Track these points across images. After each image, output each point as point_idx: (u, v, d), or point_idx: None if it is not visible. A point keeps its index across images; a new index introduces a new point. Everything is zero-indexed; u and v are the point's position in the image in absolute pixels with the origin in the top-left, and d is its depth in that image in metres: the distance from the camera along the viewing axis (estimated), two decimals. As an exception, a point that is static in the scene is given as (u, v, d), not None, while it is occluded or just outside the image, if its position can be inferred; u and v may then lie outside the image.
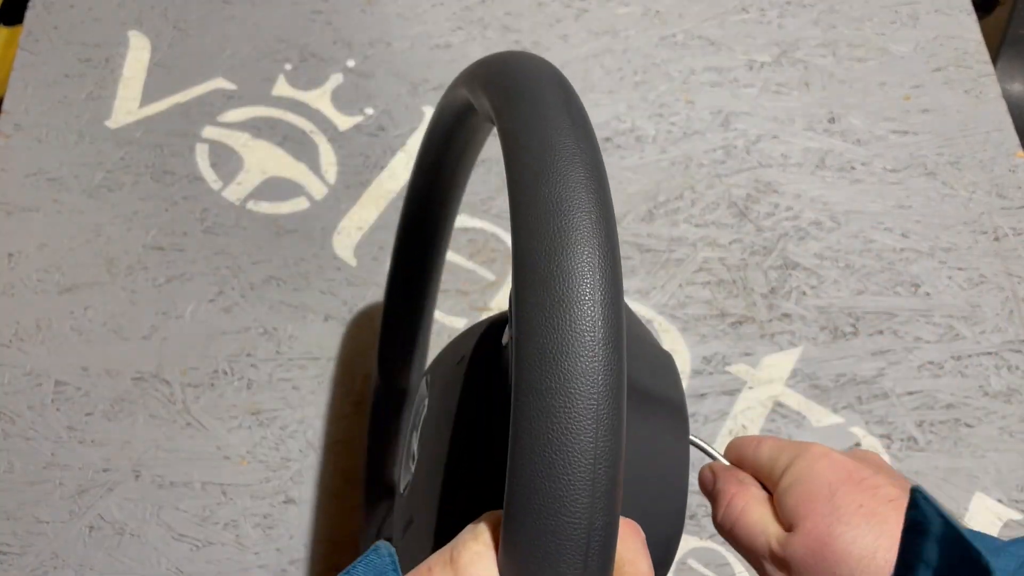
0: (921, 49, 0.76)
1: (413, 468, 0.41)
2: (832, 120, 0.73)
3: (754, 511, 0.36)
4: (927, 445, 0.61)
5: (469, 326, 0.45)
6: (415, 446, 0.41)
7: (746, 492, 0.37)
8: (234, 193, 0.72)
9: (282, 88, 0.76)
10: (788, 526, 0.34)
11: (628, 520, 0.28)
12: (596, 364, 0.22)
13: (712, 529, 0.59)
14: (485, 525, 0.27)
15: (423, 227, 0.50)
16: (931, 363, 0.64)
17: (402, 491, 0.42)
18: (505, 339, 0.36)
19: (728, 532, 0.37)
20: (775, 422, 0.62)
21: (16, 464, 0.62)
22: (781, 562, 0.33)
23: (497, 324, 0.38)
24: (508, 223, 0.76)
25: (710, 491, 0.39)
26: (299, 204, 0.71)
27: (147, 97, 0.76)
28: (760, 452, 0.38)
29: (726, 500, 0.37)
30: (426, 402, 0.41)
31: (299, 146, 0.74)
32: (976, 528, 0.58)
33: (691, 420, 0.62)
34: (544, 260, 0.22)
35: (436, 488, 0.36)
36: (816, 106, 0.74)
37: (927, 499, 0.28)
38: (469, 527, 0.28)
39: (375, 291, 0.67)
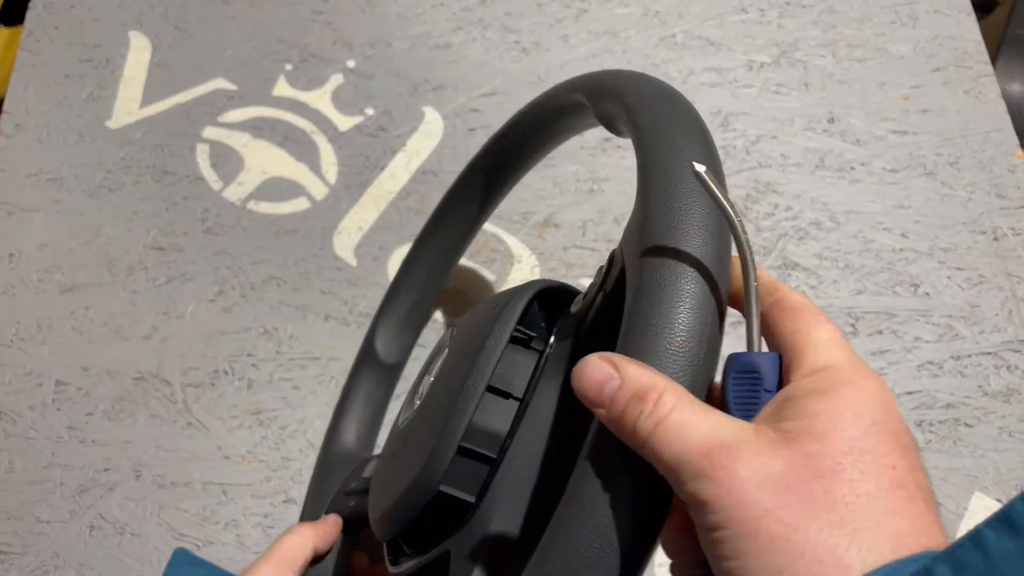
0: (920, 49, 0.76)
1: (418, 404, 0.41)
2: (831, 120, 0.73)
3: (692, 407, 0.26)
4: (927, 445, 0.61)
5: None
6: (424, 387, 0.41)
7: (678, 389, 0.27)
8: (234, 193, 0.72)
9: (282, 88, 0.76)
10: (783, 424, 0.26)
11: None
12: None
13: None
14: None
15: (485, 191, 0.55)
16: (930, 363, 0.64)
17: (400, 424, 0.42)
18: (575, 308, 0.38)
19: (646, 438, 0.26)
20: (775, 422, 0.62)
21: (17, 464, 0.62)
22: (722, 458, 0.25)
23: (546, 293, 0.39)
24: (508, 224, 0.76)
25: (599, 390, 0.27)
26: (299, 204, 0.71)
27: (148, 97, 0.76)
28: (786, 320, 0.29)
29: (653, 396, 0.26)
30: (446, 351, 0.42)
31: (299, 146, 0.74)
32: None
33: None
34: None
35: (442, 409, 0.36)
36: (815, 106, 0.74)
37: None
38: None
39: (375, 291, 0.67)
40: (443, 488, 0.34)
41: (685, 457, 0.25)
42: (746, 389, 0.28)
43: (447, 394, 0.37)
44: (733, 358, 0.29)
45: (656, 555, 0.60)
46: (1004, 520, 0.22)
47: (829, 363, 0.27)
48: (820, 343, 0.28)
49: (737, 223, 0.28)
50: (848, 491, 0.24)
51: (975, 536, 0.22)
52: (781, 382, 0.29)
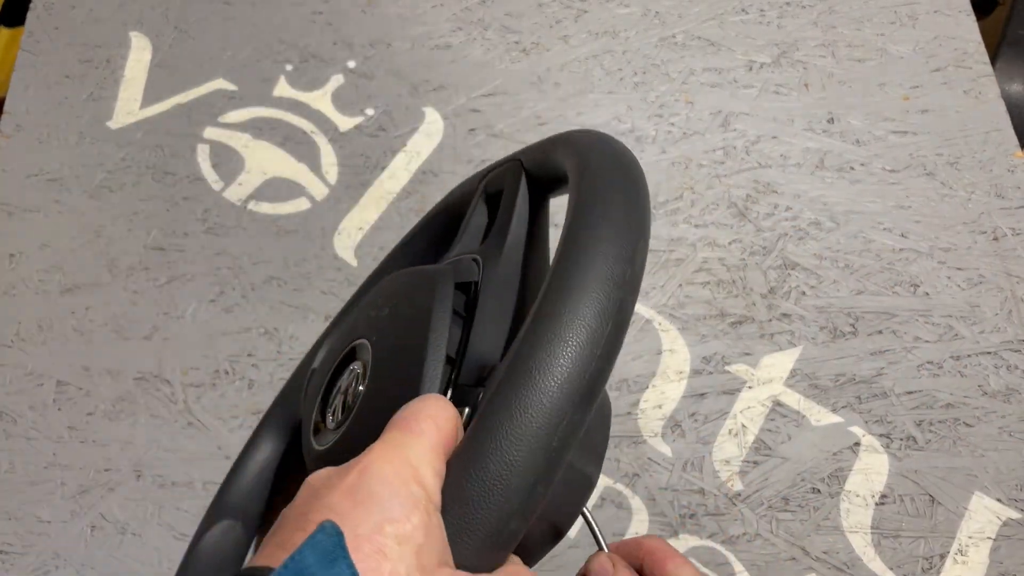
0: (920, 50, 0.76)
1: (341, 419, 0.36)
2: (831, 120, 0.73)
3: None
4: (926, 444, 0.61)
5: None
6: (340, 401, 0.37)
7: None
8: (235, 194, 0.72)
9: (283, 89, 0.77)
10: None
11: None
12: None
13: (712, 528, 0.59)
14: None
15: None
16: (930, 363, 0.64)
17: (319, 447, 0.36)
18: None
19: None
20: (774, 421, 0.62)
21: (18, 464, 0.62)
22: None
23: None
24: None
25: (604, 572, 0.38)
26: (300, 204, 0.72)
27: (148, 98, 0.76)
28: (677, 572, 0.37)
29: None
30: (367, 358, 0.37)
31: (300, 147, 0.74)
32: (975, 526, 0.59)
33: (691, 419, 0.62)
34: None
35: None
36: (815, 107, 0.74)
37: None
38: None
39: (376, 291, 0.67)
40: None
41: None
42: None
43: (400, 386, 0.34)
44: None
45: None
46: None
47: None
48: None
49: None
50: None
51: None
52: None
